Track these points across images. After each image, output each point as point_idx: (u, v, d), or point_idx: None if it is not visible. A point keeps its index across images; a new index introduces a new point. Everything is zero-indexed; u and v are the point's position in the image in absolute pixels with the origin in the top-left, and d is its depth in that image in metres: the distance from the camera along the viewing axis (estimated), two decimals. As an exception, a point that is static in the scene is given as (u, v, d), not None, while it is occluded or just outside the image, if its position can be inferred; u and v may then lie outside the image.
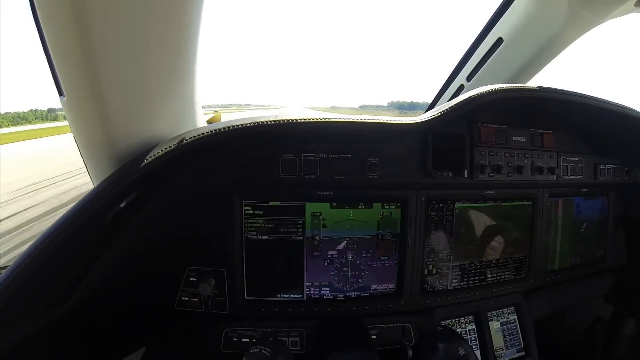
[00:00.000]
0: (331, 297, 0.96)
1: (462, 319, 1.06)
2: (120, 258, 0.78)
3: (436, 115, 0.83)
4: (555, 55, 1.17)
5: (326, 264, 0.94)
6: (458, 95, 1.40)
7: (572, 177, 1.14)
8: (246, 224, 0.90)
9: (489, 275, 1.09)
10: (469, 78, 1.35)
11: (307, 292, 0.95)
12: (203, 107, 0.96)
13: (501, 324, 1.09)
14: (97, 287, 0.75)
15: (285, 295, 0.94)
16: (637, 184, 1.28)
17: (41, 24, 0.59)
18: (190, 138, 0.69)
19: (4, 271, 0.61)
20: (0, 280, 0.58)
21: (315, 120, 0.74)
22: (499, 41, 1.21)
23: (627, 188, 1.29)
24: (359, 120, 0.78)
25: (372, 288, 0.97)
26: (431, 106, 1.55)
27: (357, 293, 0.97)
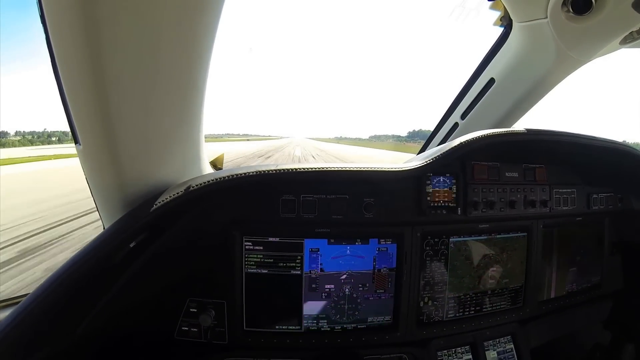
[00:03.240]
0: (328, 329, 0.98)
1: (459, 349, 1.07)
2: (125, 291, 0.82)
3: (427, 162, 0.87)
4: (545, 94, 1.22)
5: (324, 297, 0.97)
6: (453, 133, 1.44)
7: (565, 208, 1.17)
8: (246, 259, 0.94)
9: (485, 306, 1.10)
10: (463, 116, 1.40)
11: (305, 324, 0.97)
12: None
13: (498, 354, 1.10)
14: (101, 318, 0.79)
15: (283, 327, 0.97)
16: (631, 210, 1.30)
17: (62, 80, 0.65)
18: (196, 185, 0.74)
19: (20, 302, 0.66)
20: (16, 313, 0.62)
21: (312, 169, 0.79)
22: (491, 81, 1.26)
23: (621, 215, 1.30)
24: (354, 169, 0.83)
25: (368, 320, 1.00)
26: (427, 143, 1.59)
27: (354, 325, 0.99)
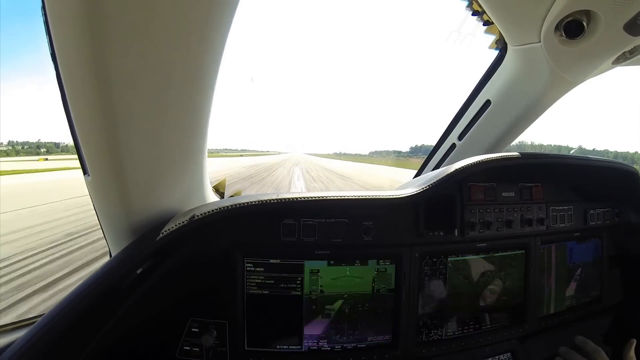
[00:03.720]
0: (329, 348, 1.00)
1: None
2: (130, 314, 0.85)
3: (423, 189, 0.90)
4: (540, 114, 1.23)
5: (324, 317, 0.99)
6: (450, 154, 1.46)
7: (561, 225, 1.18)
8: (247, 280, 0.96)
9: (484, 323, 1.11)
10: (460, 137, 1.42)
11: (306, 344, 0.99)
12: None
13: (498, 371, 1.11)
14: (104, 341, 0.81)
15: (284, 347, 0.99)
16: (629, 224, 1.31)
17: (71, 114, 0.69)
18: (200, 214, 0.77)
19: (34, 323, 0.69)
20: (31, 334, 0.65)
21: (311, 198, 0.81)
22: (487, 103, 1.29)
23: (619, 228, 1.31)
24: (352, 197, 0.85)
25: (368, 339, 1.01)
26: (424, 165, 1.62)
27: (354, 344, 1.01)
